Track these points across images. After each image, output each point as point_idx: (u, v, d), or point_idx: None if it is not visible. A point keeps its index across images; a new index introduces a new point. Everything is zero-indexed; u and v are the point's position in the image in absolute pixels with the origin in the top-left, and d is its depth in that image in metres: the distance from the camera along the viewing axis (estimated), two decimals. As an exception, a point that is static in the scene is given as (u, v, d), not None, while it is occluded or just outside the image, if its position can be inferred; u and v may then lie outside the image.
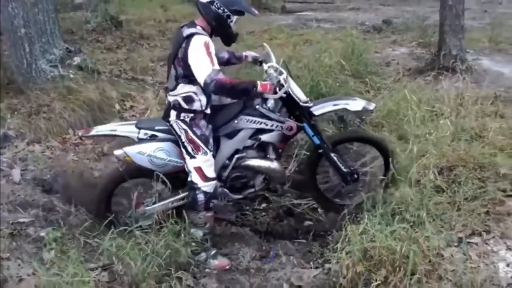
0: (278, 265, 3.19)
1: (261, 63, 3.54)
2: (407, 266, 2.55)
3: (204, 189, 3.16)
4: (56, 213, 3.60)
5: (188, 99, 3.12)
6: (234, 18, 3.09)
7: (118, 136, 3.41)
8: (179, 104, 3.13)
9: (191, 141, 3.14)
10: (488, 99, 4.87)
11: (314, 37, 8.07)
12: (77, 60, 5.59)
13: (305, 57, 6.36)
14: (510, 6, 11.14)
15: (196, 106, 3.13)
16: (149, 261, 2.82)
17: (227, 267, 3.21)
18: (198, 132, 3.14)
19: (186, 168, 3.21)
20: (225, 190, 3.41)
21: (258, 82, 3.03)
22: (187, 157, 3.16)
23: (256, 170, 3.40)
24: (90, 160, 4.44)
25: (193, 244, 3.16)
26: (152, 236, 3.00)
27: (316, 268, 3.08)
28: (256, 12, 3.20)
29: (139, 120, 3.40)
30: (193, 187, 3.18)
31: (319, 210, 3.79)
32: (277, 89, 3.13)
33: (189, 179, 3.20)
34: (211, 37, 3.09)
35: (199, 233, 3.19)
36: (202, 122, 3.16)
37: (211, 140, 3.20)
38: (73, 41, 7.04)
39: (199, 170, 3.15)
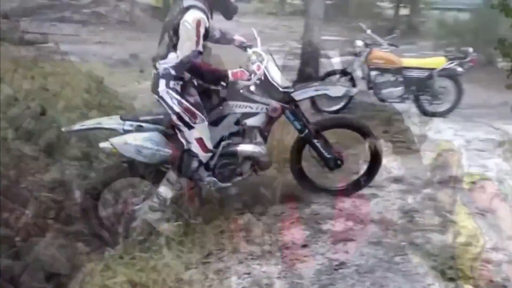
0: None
1: (246, 48, 3.56)
2: (148, 296, 2.59)
3: (202, 158, 3.21)
4: None
5: (178, 68, 3.10)
6: None
7: (103, 128, 3.35)
8: (169, 71, 3.12)
9: (186, 110, 3.12)
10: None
11: (58, 70, 7.66)
12: None
13: (46, 90, 5.97)
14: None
15: (186, 75, 3.12)
16: None
17: None
18: (192, 100, 3.14)
19: (184, 141, 3.19)
20: (214, 178, 3.41)
21: (230, 72, 3.13)
22: (185, 129, 3.16)
23: (244, 156, 3.41)
24: None
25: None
26: None
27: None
28: None
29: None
30: (190, 155, 3.18)
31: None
32: (252, 75, 3.19)
33: (186, 147, 3.19)
34: (211, 11, 3.16)
35: (168, 193, 3.22)
36: (193, 90, 3.17)
37: (203, 109, 3.18)
38: None
39: (200, 141, 3.17)
